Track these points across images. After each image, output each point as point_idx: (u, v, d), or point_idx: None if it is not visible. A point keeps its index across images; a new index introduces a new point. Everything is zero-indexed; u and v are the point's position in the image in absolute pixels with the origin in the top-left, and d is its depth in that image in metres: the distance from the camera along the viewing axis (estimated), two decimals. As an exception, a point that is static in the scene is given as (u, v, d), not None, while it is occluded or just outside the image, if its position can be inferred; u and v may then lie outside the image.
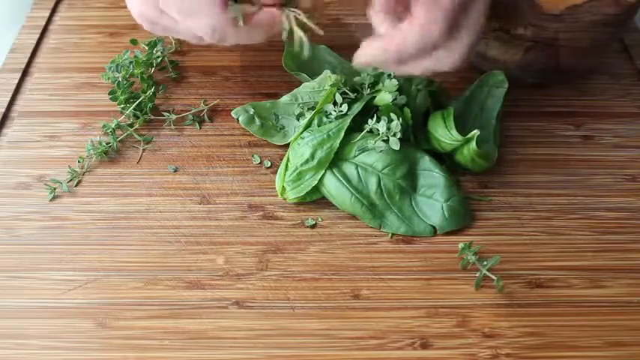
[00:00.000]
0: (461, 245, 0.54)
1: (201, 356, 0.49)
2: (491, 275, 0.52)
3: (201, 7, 0.52)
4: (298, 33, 0.53)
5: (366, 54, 0.52)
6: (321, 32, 0.53)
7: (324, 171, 0.57)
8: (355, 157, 0.58)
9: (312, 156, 0.57)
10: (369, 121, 0.58)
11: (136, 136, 0.64)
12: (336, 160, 0.58)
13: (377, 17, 0.51)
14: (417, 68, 0.53)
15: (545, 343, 0.50)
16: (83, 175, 0.61)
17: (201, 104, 0.67)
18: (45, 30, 0.77)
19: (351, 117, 0.58)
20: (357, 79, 0.60)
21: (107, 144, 0.63)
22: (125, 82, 0.66)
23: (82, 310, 0.52)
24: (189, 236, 0.57)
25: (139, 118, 0.65)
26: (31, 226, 0.57)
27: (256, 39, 0.55)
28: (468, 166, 0.59)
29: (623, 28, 0.66)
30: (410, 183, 0.58)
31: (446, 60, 0.52)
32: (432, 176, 0.58)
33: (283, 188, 0.58)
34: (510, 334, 0.51)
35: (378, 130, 0.57)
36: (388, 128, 0.57)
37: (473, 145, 0.57)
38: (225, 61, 0.73)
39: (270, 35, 0.55)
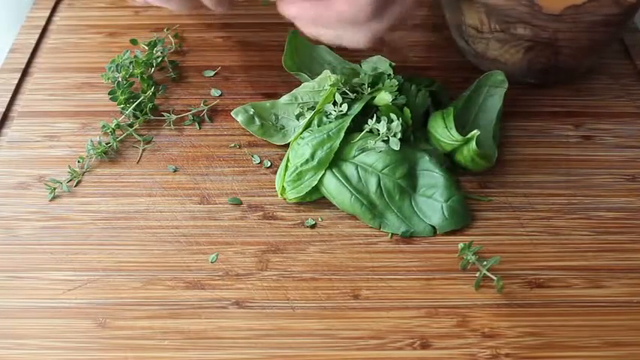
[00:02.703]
0: (461, 245, 0.54)
1: (201, 356, 0.49)
2: (491, 275, 0.52)
3: None
4: None
5: (290, 7, 0.54)
6: None
7: (324, 171, 0.57)
8: (355, 157, 0.58)
9: (312, 156, 0.57)
10: (369, 121, 0.58)
11: (136, 136, 0.64)
12: (336, 160, 0.58)
13: None
14: (329, 35, 0.55)
15: (545, 343, 0.50)
16: (83, 175, 0.61)
17: (201, 104, 0.67)
18: (45, 30, 0.77)
19: (351, 117, 0.58)
20: (357, 79, 0.60)
21: (107, 144, 0.63)
22: (125, 82, 0.66)
23: (82, 310, 0.52)
24: (189, 236, 0.57)
25: (138, 118, 0.65)
26: (31, 226, 0.57)
27: None
28: (468, 166, 0.59)
29: (623, 28, 0.66)
30: (410, 183, 0.58)
31: (359, 36, 0.54)
32: (431, 176, 0.58)
33: (283, 188, 0.58)
34: (510, 334, 0.51)
35: (378, 131, 0.57)
36: (388, 128, 0.57)
37: (473, 145, 0.57)
38: (225, 61, 0.73)
39: None
